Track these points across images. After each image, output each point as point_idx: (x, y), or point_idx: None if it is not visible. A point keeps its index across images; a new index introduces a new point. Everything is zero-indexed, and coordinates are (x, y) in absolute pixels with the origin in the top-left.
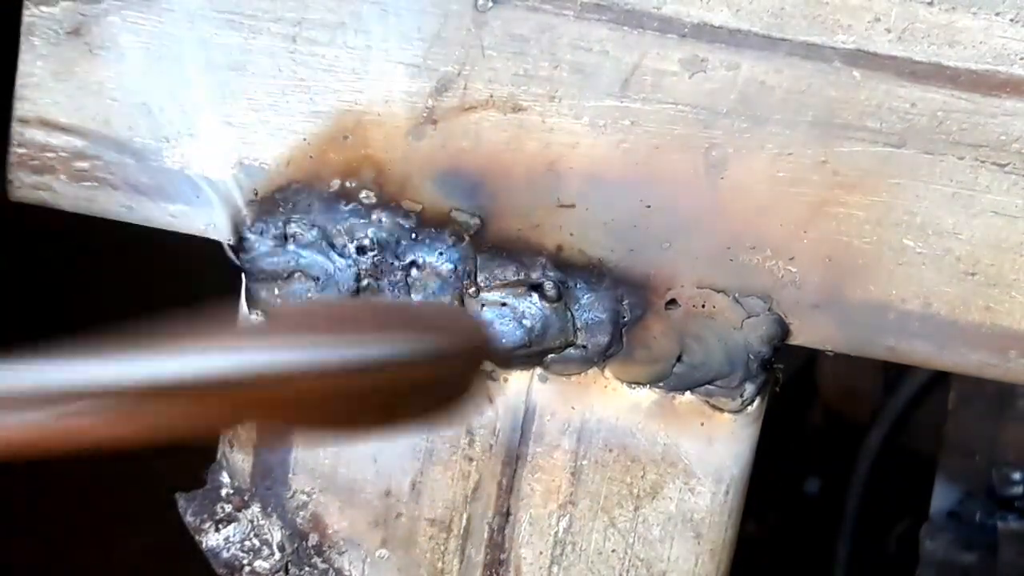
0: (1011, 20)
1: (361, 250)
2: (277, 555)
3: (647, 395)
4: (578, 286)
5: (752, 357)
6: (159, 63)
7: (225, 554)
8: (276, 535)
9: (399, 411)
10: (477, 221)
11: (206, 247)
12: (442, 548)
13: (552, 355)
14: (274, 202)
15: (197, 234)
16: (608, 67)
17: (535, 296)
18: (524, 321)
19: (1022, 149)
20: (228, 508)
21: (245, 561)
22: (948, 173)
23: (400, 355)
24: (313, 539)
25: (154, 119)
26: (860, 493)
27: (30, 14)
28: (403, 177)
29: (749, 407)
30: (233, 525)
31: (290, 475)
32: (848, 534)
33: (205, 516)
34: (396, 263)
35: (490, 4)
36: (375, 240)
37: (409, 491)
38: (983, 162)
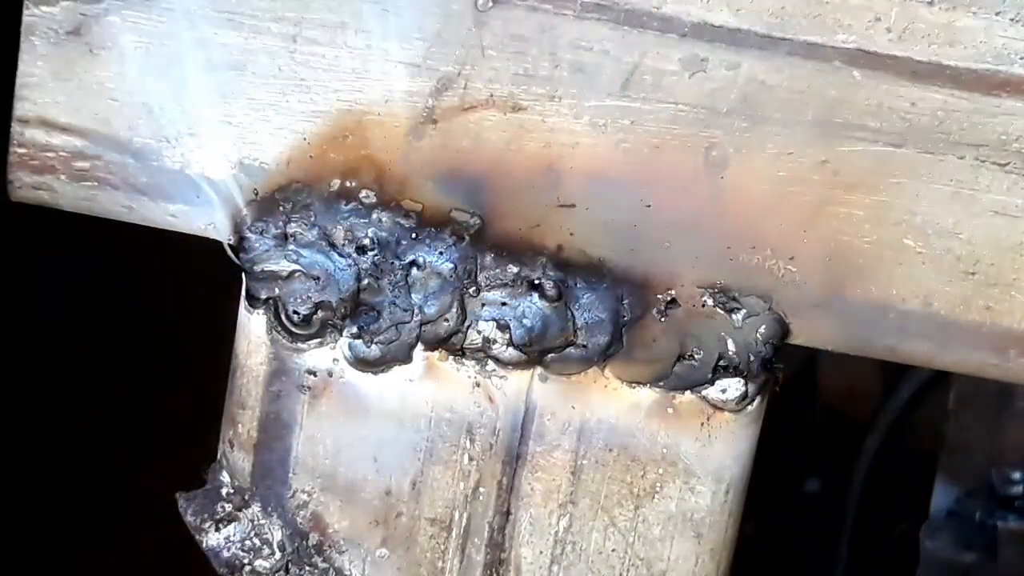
0: (1011, 20)
1: (361, 250)
2: (277, 554)
3: (647, 395)
4: (578, 286)
5: (752, 357)
6: (159, 63)
7: (225, 553)
8: (276, 534)
9: None
10: (477, 221)
11: (206, 247)
12: (442, 547)
13: (552, 355)
14: (274, 202)
15: (197, 234)
16: (608, 67)
17: (535, 296)
18: (524, 321)
19: (1022, 148)
20: (228, 507)
21: (245, 560)
22: (948, 172)
23: None
24: (313, 538)
25: (154, 119)
26: (860, 493)
27: (30, 14)
28: (403, 177)
29: (749, 407)
30: (233, 524)
31: (290, 475)
32: (848, 534)
33: (205, 516)
34: (396, 263)
35: (490, 4)
36: (375, 240)
37: (409, 490)
38: (983, 161)
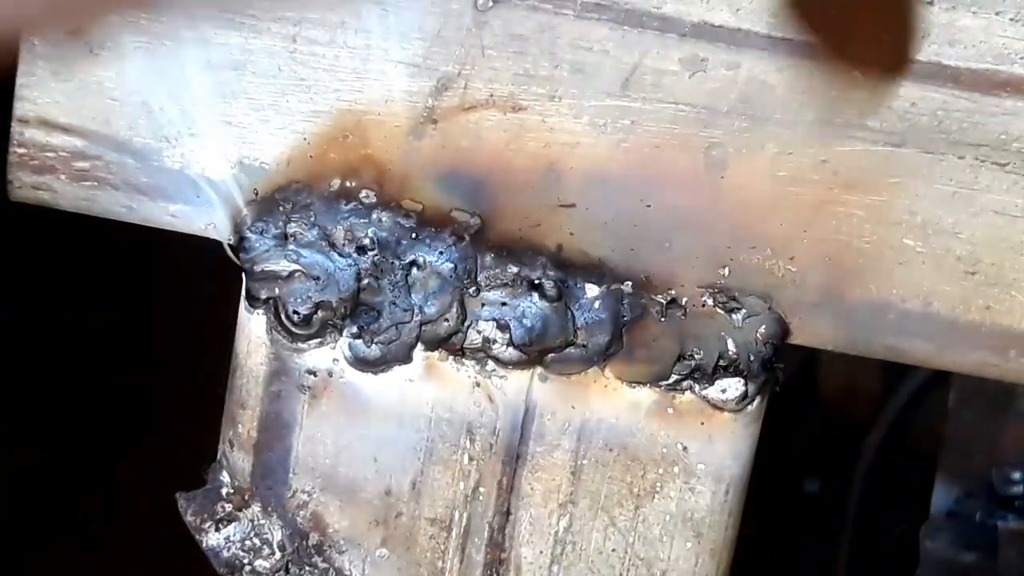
0: (1011, 19)
1: (361, 250)
2: (277, 554)
3: (647, 395)
4: (578, 285)
5: (752, 357)
6: (159, 63)
7: (225, 553)
8: (276, 534)
9: None
10: (477, 221)
11: (206, 247)
12: (442, 547)
13: (552, 354)
14: (274, 202)
15: (197, 234)
16: (608, 66)
17: (535, 296)
18: (524, 321)
19: (1022, 148)
20: (228, 507)
21: (245, 560)
22: (948, 172)
23: None
24: (313, 538)
25: (154, 119)
26: (860, 493)
27: None
28: (403, 176)
29: (749, 407)
30: (233, 524)
31: (290, 475)
32: (848, 534)
33: (205, 515)
34: (396, 263)
35: (490, 3)
36: (375, 239)
37: (409, 490)
38: (983, 161)
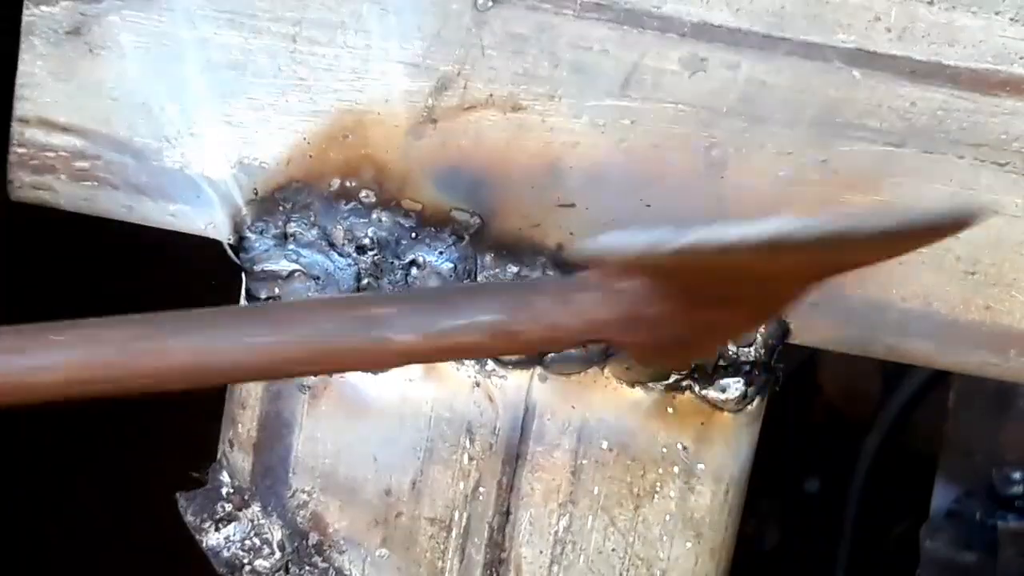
0: (1011, 19)
1: (361, 249)
2: (277, 554)
3: (647, 395)
4: None
5: (752, 357)
6: (159, 63)
7: (225, 553)
8: (276, 534)
9: None
10: (477, 220)
11: (206, 246)
12: (442, 547)
13: (552, 354)
14: (274, 201)
15: (197, 233)
16: (608, 66)
17: None
18: None
19: (1022, 148)
20: (228, 507)
21: (245, 560)
22: (948, 172)
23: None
24: (313, 538)
25: (154, 119)
26: (860, 493)
27: (30, 14)
28: (403, 176)
29: (749, 407)
30: (233, 524)
31: (290, 474)
32: (848, 534)
33: (205, 515)
34: (396, 262)
35: (490, 3)
36: (375, 239)
37: (409, 490)
38: (983, 161)
